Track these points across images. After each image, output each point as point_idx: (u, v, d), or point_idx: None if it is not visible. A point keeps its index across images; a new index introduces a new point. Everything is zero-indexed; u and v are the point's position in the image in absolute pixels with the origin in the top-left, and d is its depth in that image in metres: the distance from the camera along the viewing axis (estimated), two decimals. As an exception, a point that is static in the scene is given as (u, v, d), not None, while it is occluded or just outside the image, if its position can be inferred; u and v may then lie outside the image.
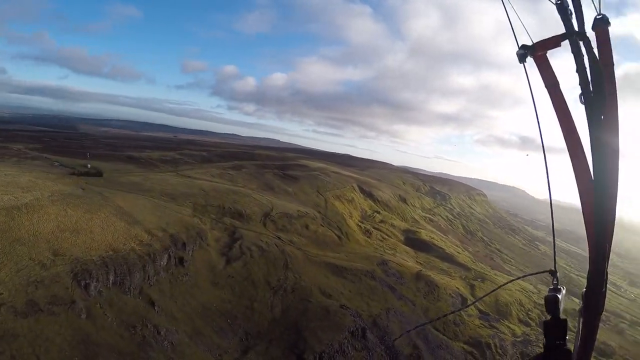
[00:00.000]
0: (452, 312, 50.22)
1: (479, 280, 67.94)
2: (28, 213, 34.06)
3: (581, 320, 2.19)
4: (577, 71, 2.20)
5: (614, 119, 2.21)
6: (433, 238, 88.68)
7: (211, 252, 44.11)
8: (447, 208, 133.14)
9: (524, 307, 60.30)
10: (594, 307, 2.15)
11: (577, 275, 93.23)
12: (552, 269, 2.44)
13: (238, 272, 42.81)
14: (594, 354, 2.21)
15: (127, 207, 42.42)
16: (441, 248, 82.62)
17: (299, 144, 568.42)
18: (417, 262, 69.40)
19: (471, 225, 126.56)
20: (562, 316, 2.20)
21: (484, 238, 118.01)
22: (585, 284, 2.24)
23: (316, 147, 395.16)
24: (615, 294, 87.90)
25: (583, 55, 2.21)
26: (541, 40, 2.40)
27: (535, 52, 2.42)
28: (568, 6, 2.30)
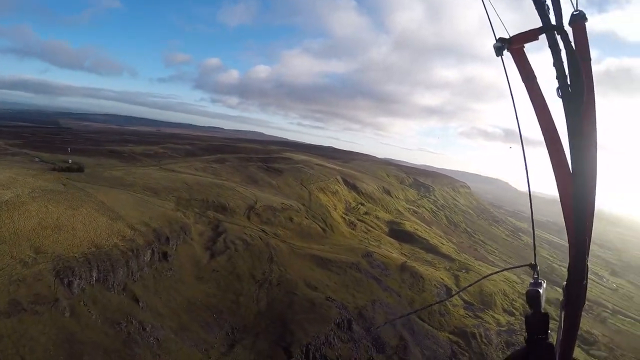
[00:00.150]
0: (437, 303, 50.81)
1: (463, 271, 69.05)
2: (8, 210, 33.28)
3: (563, 313, 2.20)
4: (554, 65, 2.20)
5: (592, 112, 2.23)
6: (417, 229, 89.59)
7: (195, 247, 43.79)
8: (430, 200, 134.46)
9: (508, 297, 61.60)
10: (575, 300, 2.15)
11: (559, 265, 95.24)
12: (533, 262, 2.45)
13: (223, 266, 42.63)
14: (577, 342, 2.24)
15: (110, 203, 41.71)
16: (425, 239, 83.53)
17: (283, 136, 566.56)
18: (401, 253, 70.08)
19: (455, 216, 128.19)
20: (543, 310, 2.20)
21: (468, 229, 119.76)
22: (567, 276, 2.26)
23: (300, 140, 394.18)
24: (598, 283, 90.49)
25: (560, 50, 2.21)
26: (518, 34, 2.40)
27: (512, 45, 2.41)
28: (545, 0, 2.31)
